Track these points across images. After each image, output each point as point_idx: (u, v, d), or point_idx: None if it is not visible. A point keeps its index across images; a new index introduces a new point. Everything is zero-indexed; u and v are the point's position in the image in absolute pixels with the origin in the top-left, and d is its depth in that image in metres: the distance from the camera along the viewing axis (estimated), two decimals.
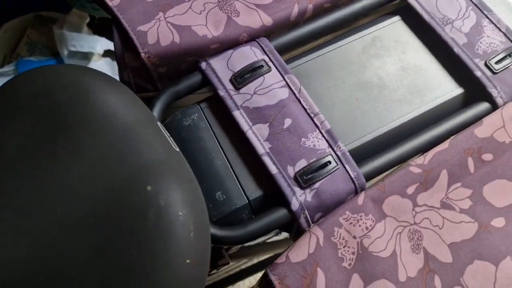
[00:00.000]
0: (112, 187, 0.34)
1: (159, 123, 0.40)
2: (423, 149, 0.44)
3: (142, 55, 0.43)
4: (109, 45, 1.05)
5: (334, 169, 0.41)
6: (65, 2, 1.09)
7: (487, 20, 0.48)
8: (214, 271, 0.63)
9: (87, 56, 1.09)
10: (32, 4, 1.12)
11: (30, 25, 1.14)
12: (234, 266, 0.94)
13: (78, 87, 0.38)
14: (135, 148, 0.36)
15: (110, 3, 0.43)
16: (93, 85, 0.38)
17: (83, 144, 0.36)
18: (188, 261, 0.33)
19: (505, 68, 0.46)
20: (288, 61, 0.47)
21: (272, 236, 0.76)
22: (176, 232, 0.33)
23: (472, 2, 0.49)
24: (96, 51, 1.05)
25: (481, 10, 0.49)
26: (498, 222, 0.42)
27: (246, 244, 0.92)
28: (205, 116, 0.45)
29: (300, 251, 0.39)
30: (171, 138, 0.39)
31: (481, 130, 0.43)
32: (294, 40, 0.48)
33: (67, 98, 0.37)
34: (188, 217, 0.34)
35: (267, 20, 0.46)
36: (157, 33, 0.43)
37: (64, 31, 1.10)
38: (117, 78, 0.47)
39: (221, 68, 0.45)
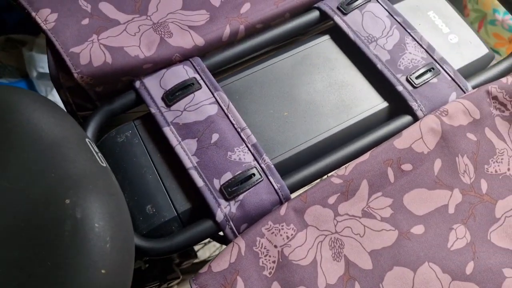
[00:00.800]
0: (32, 200, 0.36)
1: (87, 140, 0.41)
2: (347, 161, 0.46)
3: (75, 75, 0.45)
4: None
5: (258, 181, 0.43)
6: (35, 25, 1.12)
7: (410, 37, 0.51)
8: (165, 285, 0.64)
9: None
10: (2, 27, 1.14)
11: (0, 48, 1.16)
12: None
13: (5, 104, 0.39)
14: (57, 163, 0.37)
15: (44, 26, 0.45)
16: (20, 103, 0.39)
17: (6, 158, 0.37)
18: (103, 271, 0.34)
19: (425, 83, 0.48)
20: (221, 79, 0.50)
21: None
22: (90, 243, 0.34)
23: (397, 21, 0.52)
24: None
25: (404, 28, 0.52)
26: (418, 229, 0.43)
27: (209, 259, 0.92)
28: (138, 133, 0.47)
29: (222, 261, 0.40)
30: (99, 153, 0.41)
31: (400, 142, 0.45)
32: (227, 60, 0.50)
33: None
34: (105, 228, 0.35)
35: (199, 41, 0.49)
36: (90, 54, 0.45)
37: (33, 53, 1.12)
38: None
39: (154, 86, 0.47)
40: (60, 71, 0.46)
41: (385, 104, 0.49)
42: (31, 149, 0.37)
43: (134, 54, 0.46)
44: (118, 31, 0.47)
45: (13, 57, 1.14)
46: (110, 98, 0.48)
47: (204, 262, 0.81)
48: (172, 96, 0.46)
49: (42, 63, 1.12)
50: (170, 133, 0.45)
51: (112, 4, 0.49)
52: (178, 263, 0.66)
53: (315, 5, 0.54)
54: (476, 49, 0.53)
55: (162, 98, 0.46)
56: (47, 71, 1.12)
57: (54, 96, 1.08)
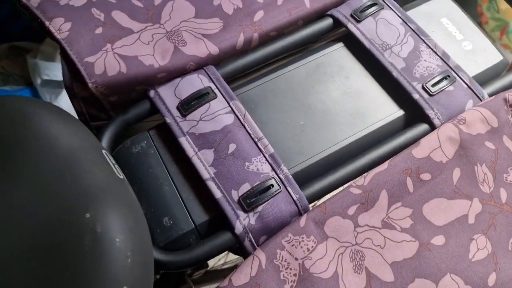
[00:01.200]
0: (50, 214, 0.35)
1: (104, 151, 0.40)
2: (365, 170, 0.45)
3: (90, 85, 0.44)
4: None
5: (277, 192, 0.42)
6: (39, 32, 1.11)
7: (425, 45, 0.51)
8: None
9: (60, 84, 1.10)
10: (6, 35, 1.14)
11: (4, 55, 1.15)
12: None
13: (21, 115, 0.39)
14: (75, 175, 0.37)
15: (58, 36, 0.45)
16: (36, 113, 0.39)
17: (23, 170, 0.36)
18: (125, 287, 0.34)
19: (441, 90, 0.48)
20: (235, 88, 0.49)
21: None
22: (111, 258, 0.33)
23: (410, 28, 0.52)
24: None
25: (418, 36, 0.51)
26: (438, 240, 0.43)
27: (213, 268, 0.91)
28: (153, 143, 0.46)
29: (242, 275, 0.39)
30: (116, 165, 0.40)
31: (418, 151, 0.45)
32: (241, 68, 0.50)
33: (10, 126, 0.38)
34: (125, 242, 0.35)
35: (214, 49, 0.48)
36: (104, 64, 0.45)
37: (38, 61, 1.11)
38: None
39: (169, 96, 0.46)
40: (75, 81, 0.45)
41: (401, 113, 0.49)
42: (47, 161, 0.37)
43: (149, 63, 0.46)
44: (131, 40, 0.47)
45: (17, 65, 1.14)
46: (124, 108, 0.47)
47: (212, 272, 0.80)
48: (188, 105, 0.46)
49: (46, 70, 1.11)
50: (186, 143, 0.44)
51: (125, 13, 0.49)
52: (190, 274, 0.65)
53: (328, 13, 0.54)
54: (490, 56, 0.53)
55: (177, 108, 0.46)
56: (51, 78, 1.11)
57: (59, 104, 1.08)
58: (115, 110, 0.48)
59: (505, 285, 0.41)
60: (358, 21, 0.52)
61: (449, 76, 0.49)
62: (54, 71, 1.12)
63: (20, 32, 1.14)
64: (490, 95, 0.49)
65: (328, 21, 0.53)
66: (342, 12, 0.53)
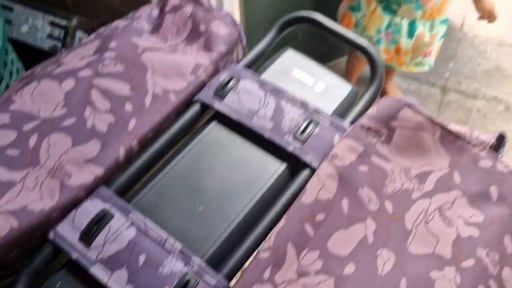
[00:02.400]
0: None
1: None
2: (269, 230, 0.49)
3: None
4: None
5: (195, 284, 0.45)
6: None
7: (284, 100, 0.57)
8: None
9: None
10: None
11: None
12: None
13: None
14: None
15: None
16: None
17: None
18: None
19: (310, 136, 0.54)
20: (131, 197, 0.52)
21: None
22: None
23: (268, 89, 0.58)
24: None
25: (277, 94, 0.58)
26: (349, 268, 0.47)
27: None
28: (69, 282, 0.47)
29: None
30: None
31: (307, 197, 0.50)
32: (131, 178, 0.52)
33: None
34: None
35: (99, 171, 0.51)
36: None
37: None
38: None
39: (68, 231, 0.48)
40: None
41: (284, 166, 0.54)
42: None
43: (39, 208, 0.47)
44: (16, 192, 0.48)
45: None
46: (28, 258, 0.47)
47: None
48: (89, 233, 0.47)
49: None
50: (98, 271, 0.45)
51: (3, 166, 0.50)
52: None
53: (195, 99, 0.58)
54: (341, 89, 0.60)
55: (80, 240, 0.47)
56: None
57: None
58: (18, 263, 0.48)
59: (416, 284, 0.47)
60: (222, 98, 0.57)
61: (311, 120, 0.55)
62: None
63: None
64: (352, 123, 0.56)
65: (196, 107, 0.58)
66: (207, 94, 0.58)
